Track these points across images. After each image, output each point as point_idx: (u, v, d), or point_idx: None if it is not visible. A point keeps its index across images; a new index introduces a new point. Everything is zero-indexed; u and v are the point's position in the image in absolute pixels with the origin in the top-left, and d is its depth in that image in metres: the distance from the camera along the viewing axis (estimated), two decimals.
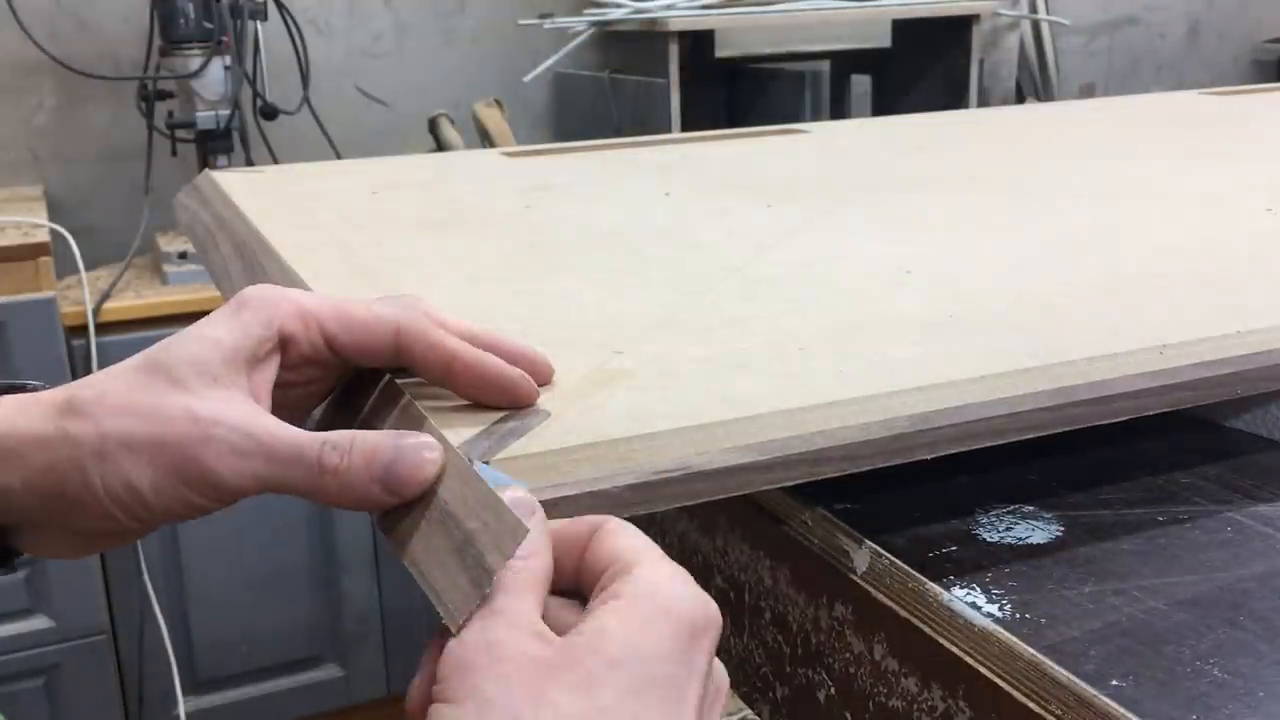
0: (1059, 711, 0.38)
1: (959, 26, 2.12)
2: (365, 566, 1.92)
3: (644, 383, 0.48)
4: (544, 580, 0.36)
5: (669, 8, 1.93)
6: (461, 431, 0.42)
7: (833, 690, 0.50)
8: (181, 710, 1.80)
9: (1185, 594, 0.44)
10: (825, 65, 2.16)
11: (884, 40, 2.24)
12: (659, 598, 0.34)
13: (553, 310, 0.59)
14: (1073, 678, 0.39)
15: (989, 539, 0.48)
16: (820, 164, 1.02)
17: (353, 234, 0.74)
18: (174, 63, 1.86)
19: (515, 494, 0.37)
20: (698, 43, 2.07)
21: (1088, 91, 2.68)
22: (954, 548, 0.48)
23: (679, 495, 0.42)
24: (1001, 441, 0.47)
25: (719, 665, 0.36)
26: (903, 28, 2.21)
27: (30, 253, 1.64)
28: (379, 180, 0.93)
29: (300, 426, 0.41)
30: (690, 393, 0.47)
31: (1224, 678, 0.39)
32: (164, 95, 1.92)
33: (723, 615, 0.36)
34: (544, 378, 0.47)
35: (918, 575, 0.45)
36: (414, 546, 0.38)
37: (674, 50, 1.89)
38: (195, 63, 1.84)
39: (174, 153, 1.95)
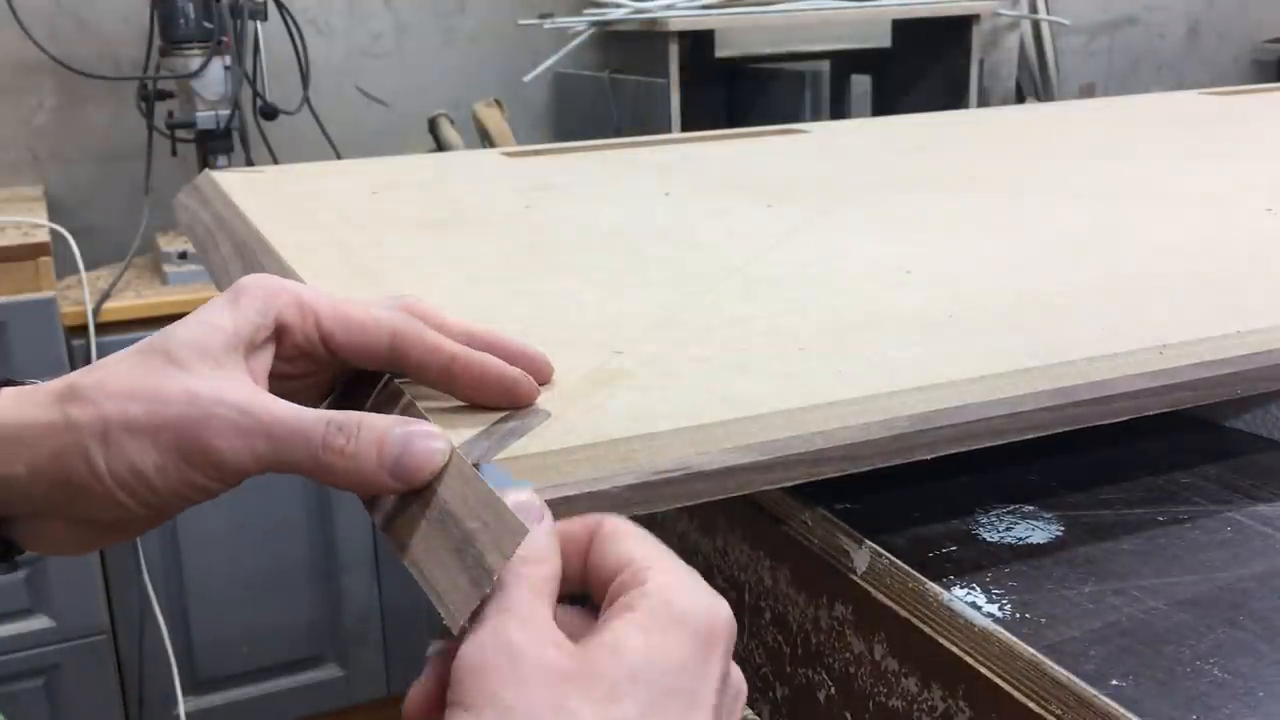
0: (1059, 711, 0.38)
1: (959, 26, 2.12)
2: (365, 566, 1.91)
3: (644, 383, 0.48)
4: (555, 586, 0.36)
5: (669, 8, 1.93)
6: (462, 432, 0.42)
7: (833, 690, 0.50)
8: (181, 710, 1.80)
9: (1185, 594, 0.44)
10: (825, 65, 2.16)
11: (884, 40, 2.24)
12: (674, 607, 0.34)
13: (553, 310, 0.59)
14: (1073, 678, 0.39)
15: (989, 539, 0.49)
16: (820, 164, 1.02)
17: (353, 234, 0.74)
18: (174, 63, 1.86)
19: (522, 497, 0.37)
20: (698, 43, 2.07)
21: (1088, 91, 2.67)
22: (954, 548, 0.48)
23: (679, 495, 0.42)
24: (1001, 441, 0.47)
25: (736, 669, 0.36)
26: (903, 28, 2.21)
27: (30, 253, 1.64)
28: (379, 180, 0.93)
29: None
30: (690, 393, 0.47)
31: (1224, 678, 0.39)
32: (164, 95, 1.92)
33: None
34: (544, 376, 0.47)
35: (918, 575, 0.45)
36: (414, 546, 0.38)
37: (674, 50, 1.89)
38: (195, 63, 1.84)
39: (174, 153, 1.95)
